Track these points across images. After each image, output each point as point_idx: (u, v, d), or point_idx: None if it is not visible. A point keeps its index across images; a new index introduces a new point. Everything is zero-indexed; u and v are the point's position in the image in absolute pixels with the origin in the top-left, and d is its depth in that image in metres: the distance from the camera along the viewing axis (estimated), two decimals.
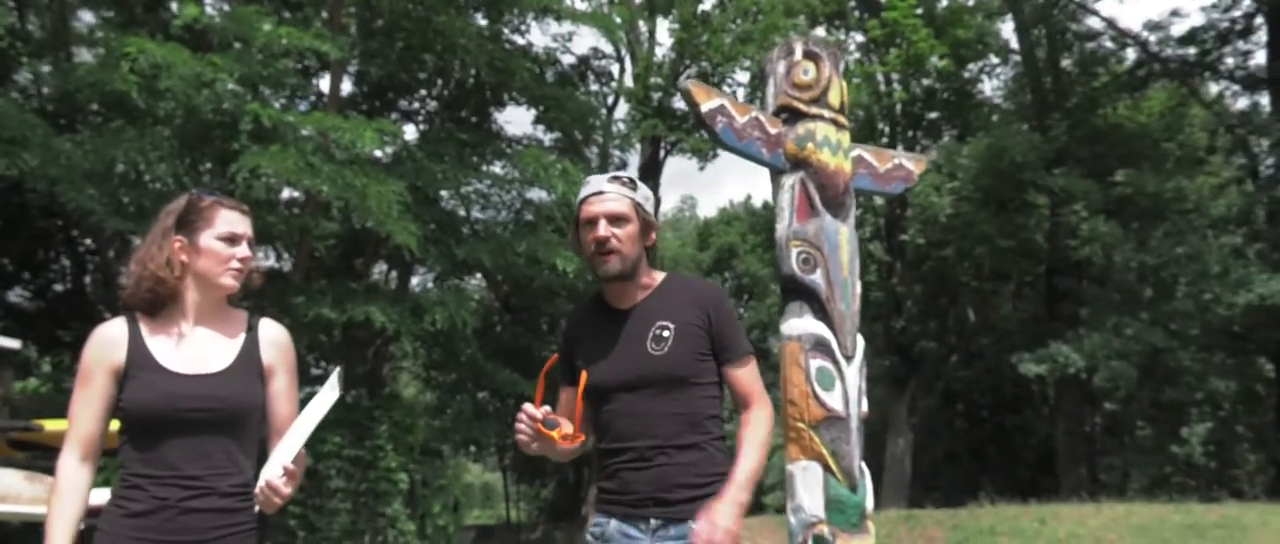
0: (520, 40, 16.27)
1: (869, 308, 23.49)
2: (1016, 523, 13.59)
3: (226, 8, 14.88)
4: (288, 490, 2.07)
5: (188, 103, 10.17)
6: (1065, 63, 22.39)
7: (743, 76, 19.63)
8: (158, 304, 2.18)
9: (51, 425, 7.32)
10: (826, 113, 3.52)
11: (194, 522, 2.03)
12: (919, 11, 23.30)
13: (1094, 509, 13.84)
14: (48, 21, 13.86)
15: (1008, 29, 23.98)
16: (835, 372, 3.32)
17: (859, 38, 23.63)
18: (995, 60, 23.64)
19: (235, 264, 2.23)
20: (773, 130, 3.50)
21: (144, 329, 2.17)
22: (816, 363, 3.29)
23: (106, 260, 14.76)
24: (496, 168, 14.63)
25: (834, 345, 3.32)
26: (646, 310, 2.45)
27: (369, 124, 10.59)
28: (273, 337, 2.30)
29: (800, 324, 3.34)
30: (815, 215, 3.41)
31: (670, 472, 2.36)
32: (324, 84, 14.41)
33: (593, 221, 2.42)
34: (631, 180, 2.48)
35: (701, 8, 19.26)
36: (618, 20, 16.34)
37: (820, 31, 23.25)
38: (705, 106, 3.34)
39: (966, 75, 22.73)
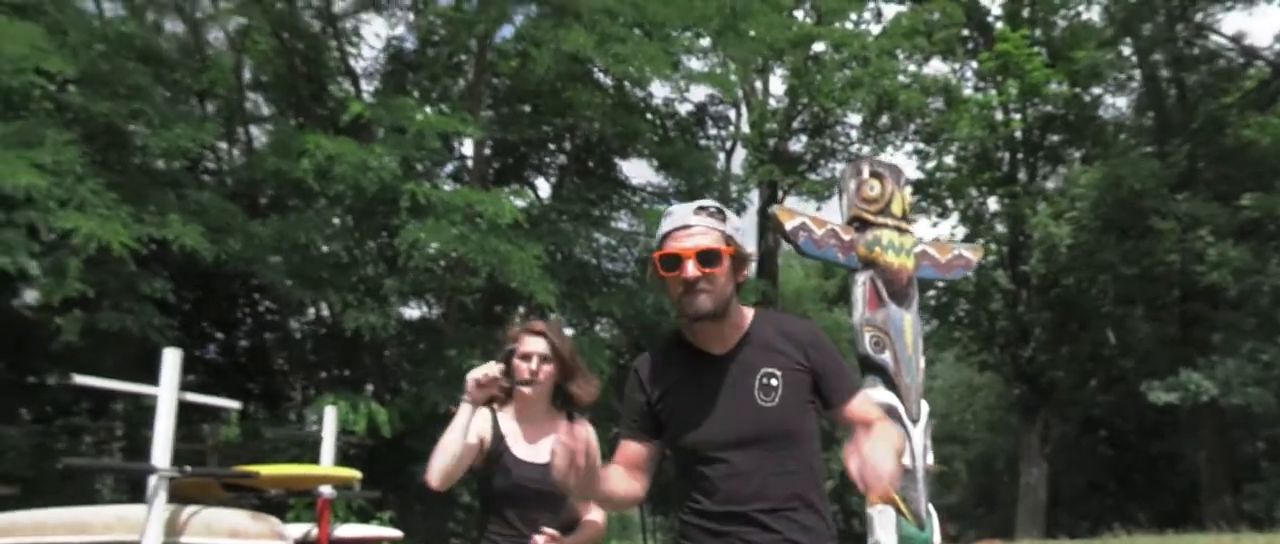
0: (639, 92, 17.45)
1: (995, 336, 23.52)
2: None
3: (377, 85, 16.75)
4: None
5: (355, 184, 11.68)
6: (1192, 80, 22.01)
7: (855, 118, 20.26)
8: (503, 402, 2.92)
9: (267, 471, 8.72)
10: (890, 221, 4.36)
11: None
12: (1037, 34, 23.44)
13: (1233, 540, 13.68)
14: (223, 107, 15.89)
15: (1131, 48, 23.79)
16: (904, 433, 4.13)
17: (974, 65, 23.87)
18: (1116, 80, 23.49)
19: (526, 372, 2.87)
20: (846, 237, 4.36)
21: (500, 418, 2.93)
22: None
23: (284, 322, 16.63)
24: (622, 223, 15.75)
25: (902, 411, 4.14)
26: (747, 356, 2.21)
27: (509, 199, 11.85)
28: (584, 434, 2.98)
29: (874, 394, 4.17)
30: (883, 306, 4.25)
31: (785, 537, 2.15)
32: (465, 147, 15.97)
33: (678, 260, 2.16)
34: (720, 209, 2.23)
35: (815, 48, 19.98)
36: (733, 78, 17.27)
37: (937, 63, 23.59)
38: (789, 225, 4.24)
39: (1088, 99, 22.61)
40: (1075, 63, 21.43)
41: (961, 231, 23.41)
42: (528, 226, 12.48)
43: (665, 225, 2.21)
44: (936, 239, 4.72)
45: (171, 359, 8.60)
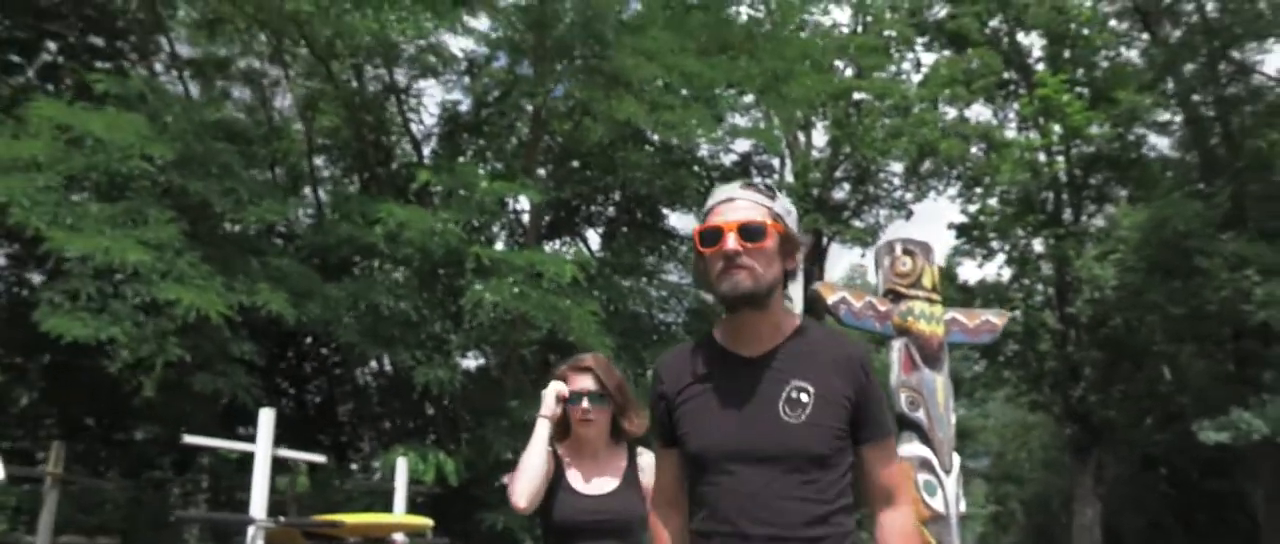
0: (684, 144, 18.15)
1: (1044, 376, 23.60)
2: None
3: (433, 146, 17.64)
4: None
5: (422, 247, 12.47)
6: (1236, 123, 22.13)
7: (897, 167, 20.77)
8: (561, 439, 3.01)
9: (350, 520, 9.40)
10: (922, 293, 4.91)
11: None
12: (1079, 73, 23.77)
13: None
14: (290, 172, 16.88)
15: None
16: (937, 482, 4.65)
17: (1015, 107, 24.24)
18: (1158, 122, 23.71)
19: (578, 416, 2.96)
20: (882, 308, 4.92)
21: (563, 460, 2.99)
22: (923, 477, 4.65)
23: (353, 376, 17.48)
24: (672, 275, 16.39)
25: (935, 464, 4.66)
26: (780, 364, 1.98)
27: (567, 260, 12.56)
28: (647, 464, 2.93)
29: (910, 448, 4.71)
30: (917, 369, 4.79)
31: None
32: (520, 203, 16.78)
33: (718, 233, 1.95)
34: (770, 188, 2.06)
35: (856, 97, 20.55)
36: (777, 132, 17.91)
37: (978, 107, 24.00)
38: (830, 300, 4.81)
39: (1131, 139, 22.84)
40: (1116, 105, 21.73)
41: (1007, 273, 23.68)
42: (584, 284, 13.15)
43: (709, 202, 2.05)
44: (966, 308, 5.28)
45: (267, 419, 9.36)
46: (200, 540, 14.37)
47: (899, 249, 5.01)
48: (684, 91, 13.79)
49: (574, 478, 2.92)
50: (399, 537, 10.19)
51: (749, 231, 1.92)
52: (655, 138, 16.74)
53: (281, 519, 8.90)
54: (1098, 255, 17.96)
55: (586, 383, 2.94)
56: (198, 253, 10.36)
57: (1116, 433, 22.44)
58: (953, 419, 4.82)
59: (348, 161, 17.48)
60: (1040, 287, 22.28)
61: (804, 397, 1.92)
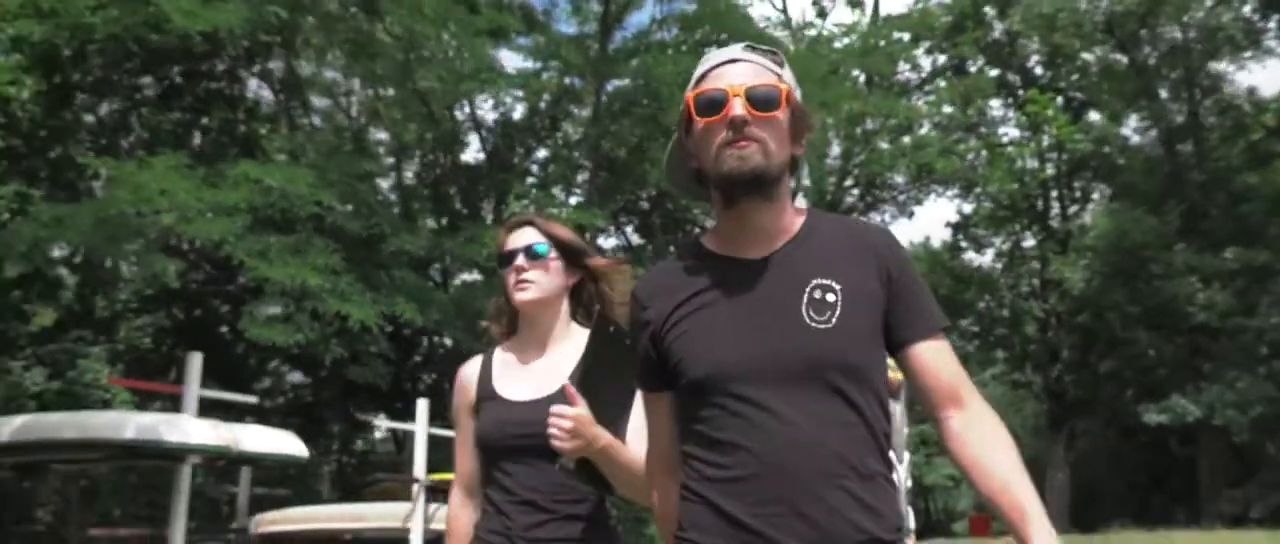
0: None
1: (1029, 358, 26.77)
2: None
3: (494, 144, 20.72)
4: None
5: None
6: (1206, 136, 24.92)
7: (899, 178, 23.77)
8: (506, 334, 2.17)
9: None
10: None
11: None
12: (1074, 78, 26.60)
13: (1202, 535, 16.92)
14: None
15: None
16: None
17: (1011, 116, 27.13)
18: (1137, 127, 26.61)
19: (512, 278, 2.09)
20: None
21: (495, 364, 2.13)
22: None
23: (450, 366, 20.87)
24: None
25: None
26: (794, 261, 1.50)
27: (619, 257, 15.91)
28: None
29: None
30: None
31: (846, 517, 1.39)
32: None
33: (722, 99, 1.47)
34: (775, 52, 1.56)
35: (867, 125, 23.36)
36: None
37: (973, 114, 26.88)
38: None
39: (1107, 150, 25.74)
40: (1101, 108, 24.58)
41: (999, 266, 26.80)
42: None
43: (702, 67, 1.55)
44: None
45: (423, 408, 12.81)
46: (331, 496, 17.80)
47: None
48: None
49: (504, 380, 2.10)
50: None
51: (759, 98, 1.46)
52: None
53: (434, 478, 12.20)
54: (1067, 262, 21.00)
55: (520, 239, 2.11)
56: (354, 274, 13.60)
57: (1092, 408, 25.63)
58: (906, 431, 7.97)
59: (426, 174, 20.65)
60: (1025, 281, 25.37)
61: (830, 296, 1.46)
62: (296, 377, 20.85)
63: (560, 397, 1.74)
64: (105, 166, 12.97)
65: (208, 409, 9.30)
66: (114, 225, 12.68)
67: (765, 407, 1.43)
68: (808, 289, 1.47)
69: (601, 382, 1.71)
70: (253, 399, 10.89)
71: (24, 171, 15.96)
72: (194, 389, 9.15)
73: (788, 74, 1.55)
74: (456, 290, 15.93)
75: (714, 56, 1.56)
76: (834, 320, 1.45)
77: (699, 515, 1.47)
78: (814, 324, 1.45)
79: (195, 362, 9.38)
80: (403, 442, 19.08)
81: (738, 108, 1.46)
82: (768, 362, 1.44)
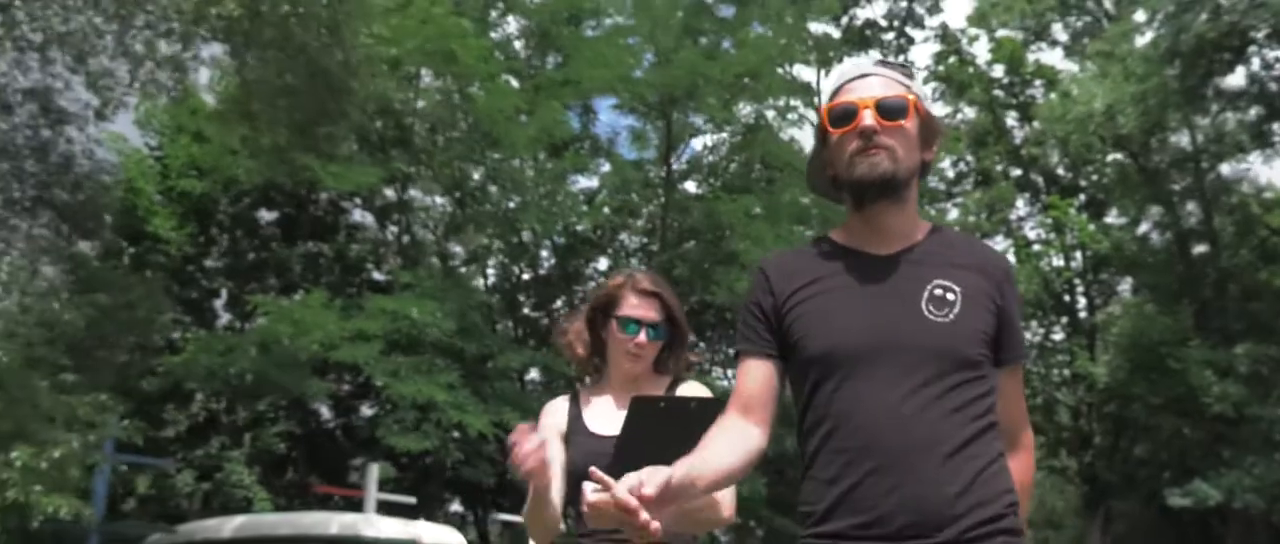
0: None
1: (1063, 444, 28.35)
2: None
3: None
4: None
5: None
6: (1221, 233, 26.82)
7: None
8: (592, 372, 2.44)
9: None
10: None
11: None
12: (1094, 177, 28.75)
13: None
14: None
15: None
16: None
17: (1036, 217, 29.27)
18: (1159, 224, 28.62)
19: (630, 348, 2.30)
20: None
21: (582, 402, 2.41)
22: None
23: None
24: None
25: None
26: (918, 261, 1.69)
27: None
28: (696, 389, 2.36)
29: None
30: None
31: (948, 493, 1.52)
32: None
33: (853, 111, 1.65)
34: (906, 67, 1.75)
35: None
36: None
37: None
38: None
39: (1127, 251, 27.72)
40: (1121, 212, 26.66)
41: (1031, 357, 28.65)
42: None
43: (835, 80, 1.75)
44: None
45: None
46: None
47: None
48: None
49: (592, 416, 2.31)
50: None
51: (888, 108, 1.63)
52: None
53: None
54: (1090, 358, 22.92)
55: (649, 313, 2.27)
56: (469, 388, 16.01)
57: (1126, 491, 27.07)
58: None
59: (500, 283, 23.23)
60: (1055, 372, 27.18)
61: (950, 295, 1.62)
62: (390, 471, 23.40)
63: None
64: (266, 307, 15.64)
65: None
66: (276, 353, 15.33)
67: (878, 385, 1.55)
68: (929, 286, 1.62)
69: (639, 453, 1.71)
70: (412, 500, 13.19)
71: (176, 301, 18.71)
72: (372, 491, 11.52)
73: (917, 86, 1.70)
74: (532, 387, 18.30)
75: (847, 70, 1.73)
76: (952, 316, 1.59)
77: (809, 489, 1.61)
78: (932, 317, 1.59)
79: (373, 471, 11.79)
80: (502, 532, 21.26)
81: (867, 119, 1.63)
82: (885, 345, 1.57)
